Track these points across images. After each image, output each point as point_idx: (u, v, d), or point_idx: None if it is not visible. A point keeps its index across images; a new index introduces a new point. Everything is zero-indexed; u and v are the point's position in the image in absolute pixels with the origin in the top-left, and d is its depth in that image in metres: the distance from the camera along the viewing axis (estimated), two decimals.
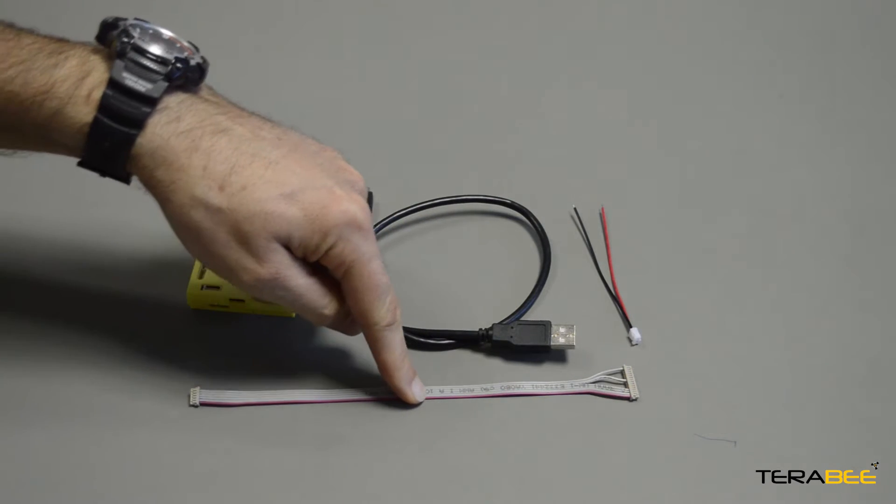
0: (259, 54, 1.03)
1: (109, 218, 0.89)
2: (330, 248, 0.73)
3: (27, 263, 0.86)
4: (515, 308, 0.84)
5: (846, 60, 1.03)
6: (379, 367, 0.78)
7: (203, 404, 0.78)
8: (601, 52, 1.04)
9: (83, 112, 0.71)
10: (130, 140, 0.71)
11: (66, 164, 0.88)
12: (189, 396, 0.78)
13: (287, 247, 0.73)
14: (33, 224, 0.88)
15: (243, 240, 0.72)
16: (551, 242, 0.88)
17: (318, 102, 0.96)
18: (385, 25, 1.07)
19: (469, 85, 1.01)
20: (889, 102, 0.99)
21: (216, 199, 0.71)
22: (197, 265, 0.84)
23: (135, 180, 0.73)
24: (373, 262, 0.74)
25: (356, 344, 0.81)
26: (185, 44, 0.73)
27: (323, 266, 0.74)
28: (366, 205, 0.74)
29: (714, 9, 1.08)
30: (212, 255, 0.72)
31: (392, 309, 0.76)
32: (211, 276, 0.83)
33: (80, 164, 0.73)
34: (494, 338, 0.81)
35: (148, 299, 0.84)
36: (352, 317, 0.76)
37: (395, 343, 0.77)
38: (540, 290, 0.85)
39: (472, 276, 0.86)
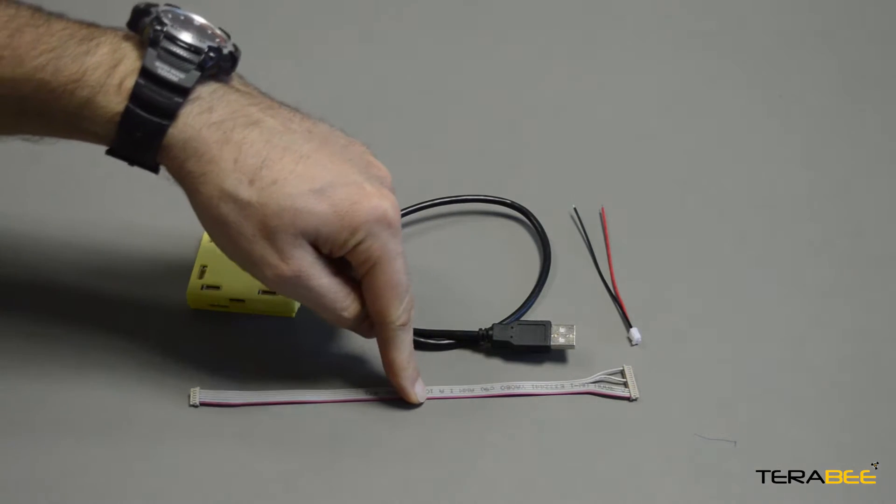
0: (257, 53, 1.03)
1: (109, 218, 0.88)
2: (358, 244, 0.72)
3: (27, 263, 0.86)
4: (515, 308, 0.84)
5: (846, 60, 1.03)
6: (385, 365, 0.77)
7: (203, 404, 0.78)
8: (601, 52, 1.04)
9: (115, 101, 0.70)
10: (162, 130, 0.70)
11: (65, 164, 0.89)
12: (189, 396, 0.78)
13: (313, 243, 0.72)
14: (33, 224, 0.88)
15: (269, 235, 0.71)
16: (551, 242, 0.88)
17: (317, 102, 0.96)
18: (385, 25, 1.07)
19: (469, 85, 1.01)
20: (889, 102, 0.99)
21: (246, 192, 0.71)
22: (197, 265, 0.84)
23: (162, 170, 0.72)
24: (397, 260, 0.74)
25: (356, 344, 0.81)
26: (218, 31, 0.73)
27: (345, 265, 0.74)
28: (395, 201, 0.73)
29: (714, 9, 1.08)
30: (237, 248, 0.72)
31: (408, 309, 0.75)
32: (211, 276, 0.83)
33: (109, 152, 0.72)
34: (494, 338, 0.81)
35: (148, 299, 0.84)
36: (369, 320, 0.76)
37: (406, 343, 0.77)
38: (540, 290, 0.85)
39: (472, 276, 0.86)
